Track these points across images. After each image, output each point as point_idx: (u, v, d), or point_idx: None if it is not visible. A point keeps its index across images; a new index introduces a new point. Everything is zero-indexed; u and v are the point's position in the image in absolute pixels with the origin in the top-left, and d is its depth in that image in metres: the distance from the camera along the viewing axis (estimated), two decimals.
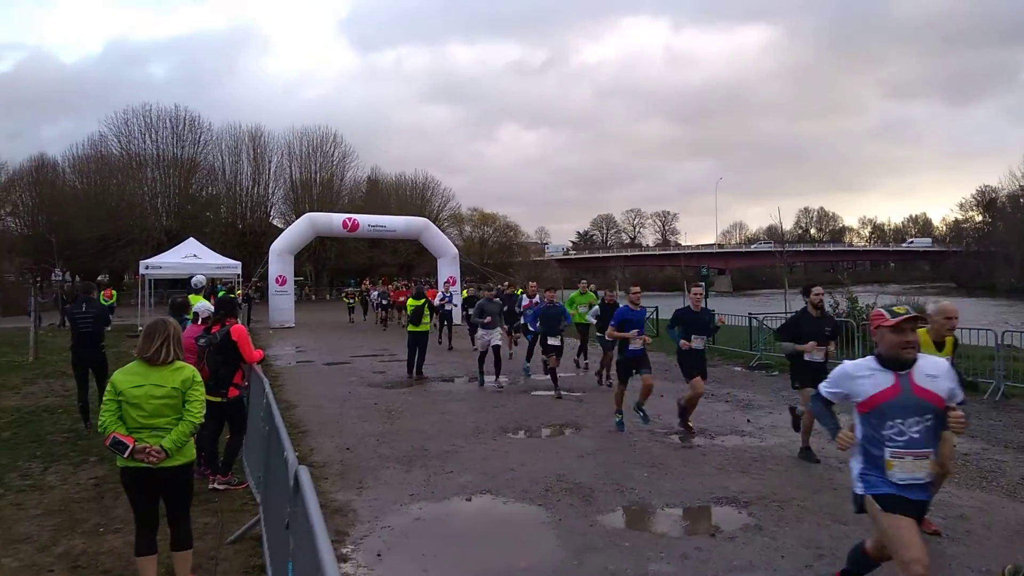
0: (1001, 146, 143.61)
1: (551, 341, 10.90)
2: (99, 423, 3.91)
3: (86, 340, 8.45)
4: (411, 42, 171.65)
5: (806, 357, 7.03)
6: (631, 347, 8.43)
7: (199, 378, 4.06)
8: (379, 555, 4.74)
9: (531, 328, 12.28)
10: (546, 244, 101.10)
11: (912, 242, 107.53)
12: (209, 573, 4.37)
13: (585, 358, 13.97)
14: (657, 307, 20.92)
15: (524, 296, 15.42)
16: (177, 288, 24.45)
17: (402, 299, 22.26)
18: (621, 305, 9.38)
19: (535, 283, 15.59)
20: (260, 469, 5.14)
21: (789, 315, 17.27)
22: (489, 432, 8.42)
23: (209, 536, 4.97)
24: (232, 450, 6.33)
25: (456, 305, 21.01)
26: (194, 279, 12.91)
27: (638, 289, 9.18)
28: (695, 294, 8.33)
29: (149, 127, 52.04)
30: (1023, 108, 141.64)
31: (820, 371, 6.43)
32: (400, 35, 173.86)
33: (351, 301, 31.57)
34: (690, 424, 8.36)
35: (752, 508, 5.63)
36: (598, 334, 12.00)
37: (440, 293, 21.20)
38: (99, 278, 53.11)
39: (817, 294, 7.33)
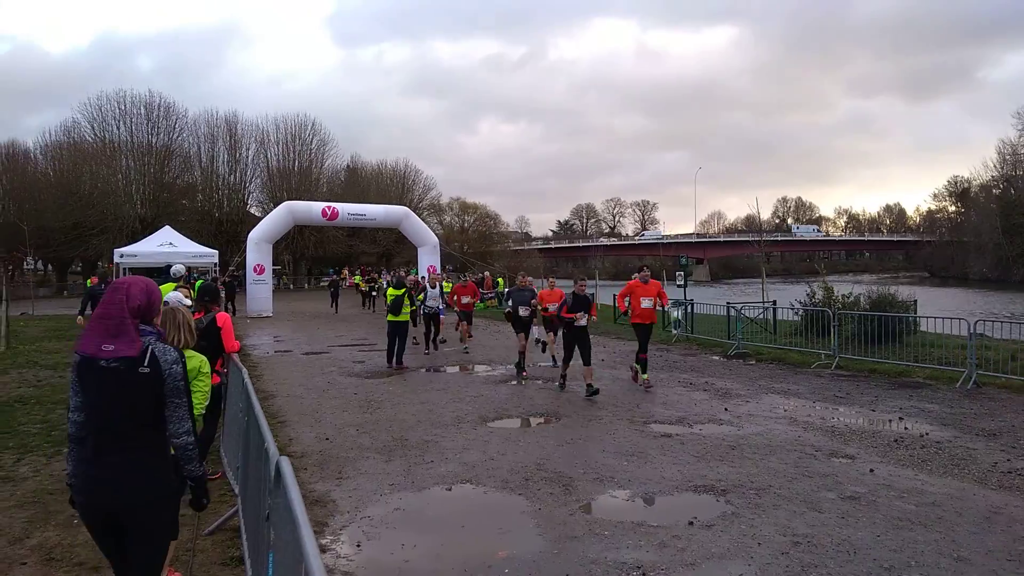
0: (964, 140, 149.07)
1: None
2: None
3: None
4: (393, 37, 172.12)
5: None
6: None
7: (206, 369, 4.05)
8: (359, 545, 4.73)
9: None
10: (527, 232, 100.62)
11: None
12: (186, 565, 4.34)
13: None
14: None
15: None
16: (153, 277, 24.07)
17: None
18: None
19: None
20: (238, 459, 5.09)
21: (766, 305, 17.51)
22: (469, 422, 8.43)
23: (185, 528, 4.91)
24: (206, 439, 6.27)
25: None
26: (173, 268, 12.77)
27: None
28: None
29: (123, 114, 51.03)
30: (980, 104, 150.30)
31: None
32: (383, 31, 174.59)
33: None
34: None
35: (730, 496, 5.69)
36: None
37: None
38: (71, 268, 52.38)
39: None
